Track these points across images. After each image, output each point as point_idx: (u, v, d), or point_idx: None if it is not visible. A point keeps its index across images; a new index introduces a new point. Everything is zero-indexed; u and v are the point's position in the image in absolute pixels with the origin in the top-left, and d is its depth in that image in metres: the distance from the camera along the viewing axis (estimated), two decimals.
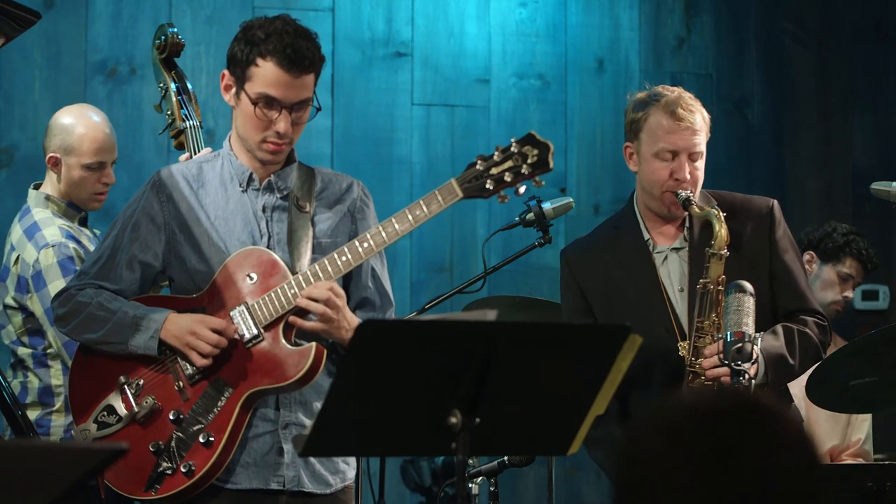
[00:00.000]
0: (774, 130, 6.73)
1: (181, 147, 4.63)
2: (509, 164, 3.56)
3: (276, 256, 3.68)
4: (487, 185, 3.56)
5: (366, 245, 3.61)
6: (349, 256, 3.62)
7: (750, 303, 3.86)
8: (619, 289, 4.09)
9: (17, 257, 4.58)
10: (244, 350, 3.66)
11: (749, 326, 3.84)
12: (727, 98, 6.64)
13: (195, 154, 4.52)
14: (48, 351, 4.58)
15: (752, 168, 6.57)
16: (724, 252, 3.94)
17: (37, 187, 4.77)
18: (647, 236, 4.12)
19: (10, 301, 4.60)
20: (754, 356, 3.84)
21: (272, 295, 3.64)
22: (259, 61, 3.67)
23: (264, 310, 3.65)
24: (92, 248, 4.62)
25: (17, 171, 5.84)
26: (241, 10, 6.14)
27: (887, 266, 6.57)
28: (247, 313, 3.66)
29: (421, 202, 3.61)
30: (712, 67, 6.70)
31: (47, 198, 4.68)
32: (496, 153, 3.56)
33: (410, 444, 3.09)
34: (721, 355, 3.86)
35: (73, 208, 4.71)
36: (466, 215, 6.31)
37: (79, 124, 4.69)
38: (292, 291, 3.63)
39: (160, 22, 5.80)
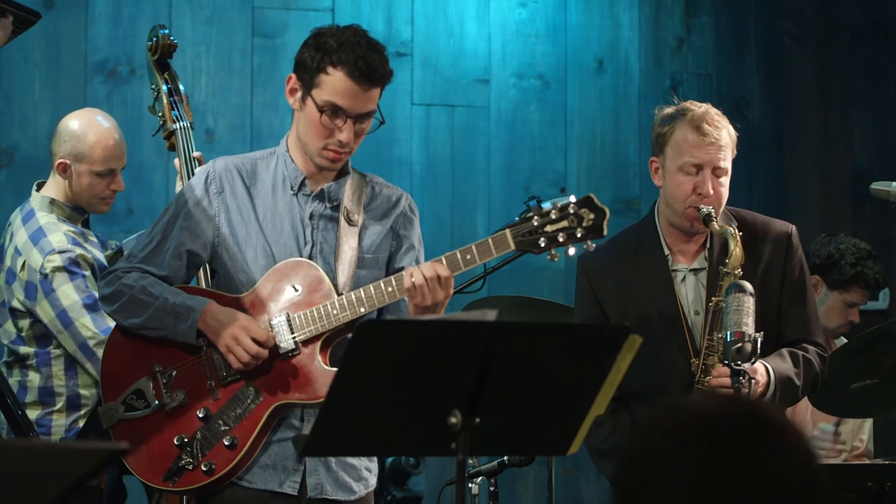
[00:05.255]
0: (774, 130, 6.73)
1: (173, 148, 4.64)
2: (564, 224, 3.55)
3: (322, 273, 3.72)
4: (540, 242, 3.56)
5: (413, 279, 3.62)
6: (395, 287, 3.65)
7: (750, 303, 3.87)
8: (636, 305, 4.09)
9: (24, 262, 4.58)
10: (280, 360, 3.71)
11: (749, 326, 3.84)
12: (727, 98, 6.64)
13: (185, 155, 4.53)
14: (53, 351, 4.58)
15: (752, 168, 6.57)
16: (738, 272, 3.95)
17: (39, 186, 4.76)
18: (666, 252, 4.12)
19: (17, 305, 4.60)
20: (754, 357, 3.85)
21: (314, 312, 3.68)
22: (330, 69, 3.69)
23: (305, 324, 3.68)
24: (96, 251, 4.63)
25: (17, 171, 5.84)
26: (241, 10, 6.14)
27: (887, 266, 6.57)
28: (286, 325, 3.70)
29: (473, 248, 3.61)
30: (712, 67, 6.70)
31: (52, 202, 4.67)
32: (553, 210, 3.55)
33: (410, 443, 3.10)
34: (721, 355, 3.88)
35: (78, 211, 4.71)
36: (466, 216, 6.31)
37: (90, 131, 4.68)
38: (335, 312, 3.66)
39: (160, 22, 5.81)
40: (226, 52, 6.14)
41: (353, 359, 2.84)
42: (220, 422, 3.71)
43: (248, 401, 3.70)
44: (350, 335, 3.71)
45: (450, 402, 2.79)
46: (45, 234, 4.58)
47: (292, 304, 3.71)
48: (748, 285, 3.90)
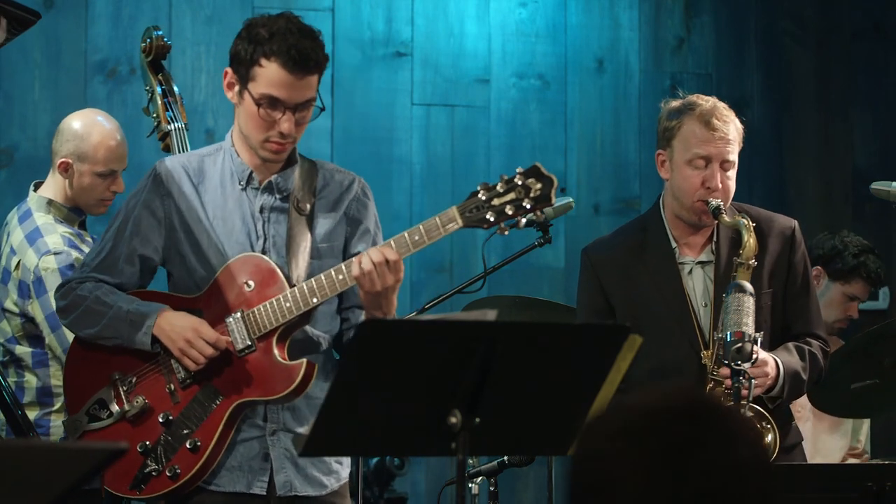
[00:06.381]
0: (774, 130, 6.73)
1: (168, 149, 4.65)
2: (511, 195, 3.48)
3: (274, 266, 3.67)
4: (489, 217, 3.49)
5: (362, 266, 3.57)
6: (345, 275, 3.59)
7: (749, 303, 3.87)
8: (644, 298, 4.09)
9: (19, 262, 4.58)
10: (237, 359, 3.67)
11: (749, 326, 3.85)
12: (727, 98, 6.55)
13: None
14: (49, 352, 4.57)
15: (752, 168, 6.57)
16: (753, 262, 3.96)
17: (37, 186, 4.76)
18: (673, 245, 4.12)
19: (9, 305, 4.59)
20: (754, 356, 3.85)
21: (268, 306, 3.63)
22: (263, 61, 3.64)
23: (259, 320, 3.64)
24: None
25: (17, 171, 5.84)
26: (241, 10, 6.14)
27: (887, 266, 6.57)
28: (241, 322, 3.65)
29: (421, 227, 3.56)
30: (712, 67, 6.70)
31: (49, 202, 4.67)
32: (500, 183, 3.49)
33: (410, 443, 3.09)
34: (721, 355, 3.88)
35: (75, 212, 4.70)
36: None
37: (93, 131, 4.68)
38: (287, 305, 3.61)
39: (160, 22, 5.81)
40: (226, 52, 6.10)
41: (352, 358, 2.84)
42: (182, 425, 3.67)
43: (208, 402, 3.66)
44: (307, 327, 3.70)
45: (450, 402, 2.79)
46: (42, 234, 4.58)
47: (246, 301, 3.66)
48: (748, 285, 3.90)
